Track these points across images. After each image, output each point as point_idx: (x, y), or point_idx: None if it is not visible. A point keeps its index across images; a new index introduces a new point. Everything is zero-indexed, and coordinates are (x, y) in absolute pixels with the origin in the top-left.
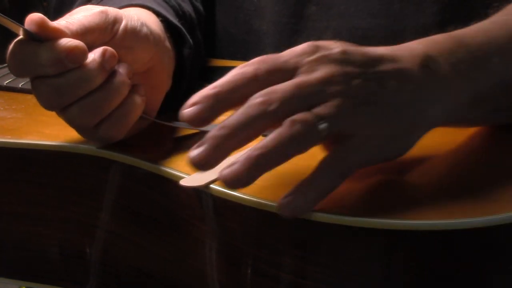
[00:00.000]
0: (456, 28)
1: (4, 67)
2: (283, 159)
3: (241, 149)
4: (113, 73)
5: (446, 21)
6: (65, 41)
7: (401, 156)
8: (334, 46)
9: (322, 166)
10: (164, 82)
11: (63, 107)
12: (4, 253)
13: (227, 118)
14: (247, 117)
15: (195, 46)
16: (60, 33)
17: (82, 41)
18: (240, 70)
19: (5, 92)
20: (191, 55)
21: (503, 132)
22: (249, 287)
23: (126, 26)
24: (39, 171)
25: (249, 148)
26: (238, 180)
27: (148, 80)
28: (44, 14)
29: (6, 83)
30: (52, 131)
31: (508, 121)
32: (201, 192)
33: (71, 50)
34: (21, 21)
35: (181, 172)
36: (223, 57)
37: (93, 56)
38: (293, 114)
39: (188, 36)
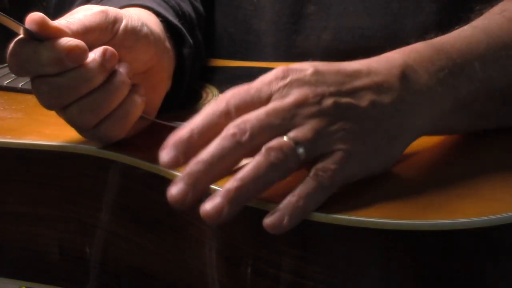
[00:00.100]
0: (454, 28)
1: (4, 67)
2: (262, 188)
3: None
4: (113, 73)
5: (445, 20)
6: (66, 41)
7: (388, 168)
8: (306, 68)
9: (305, 186)
10: (164, 82)
11: (63, 107)
12: (4, 253)
13: (202, 151)
14: (221, 150)
15: (195, 46)
16: (61, 33)
17: (83, 41)
18: (211, 109)
19: (5, 92)
20: (191, 55)
21: (503, 132)
22: (249, 287)
23: (126, 26)
24: (39, 171)
25: (229, 180)
26: (219, 217)
27: (148, 80)
28: (44, 14)
29: (6, 83)
30: (52, 131)
31: (495, 126)
32: None
33: (71, 50)
34: (21, 21)
35: (181, 172)
36: (222, 57)
37: (94, 55)
38: (268, 141)
39: (188, 36)
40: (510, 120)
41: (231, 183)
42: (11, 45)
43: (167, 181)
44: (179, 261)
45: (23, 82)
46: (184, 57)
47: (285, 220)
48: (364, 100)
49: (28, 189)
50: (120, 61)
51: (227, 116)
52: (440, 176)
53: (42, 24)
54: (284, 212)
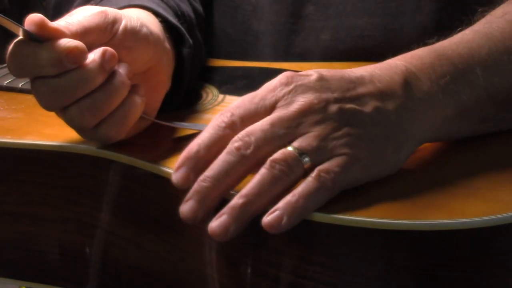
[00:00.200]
0: (456, 30)
1: (4, 67)
2: (268, 202)
3: None
4: (113, 74)
5: (444, 20)
6: (65, 42)
7: (391, 174)
8: (310, 74)
9: (307, 186)
10: (163, 82)
11: (62, 108)
12: (4, 253)
13: (209, 168)
14: (227, 165)
15: (195, 46)
16: (60, 34)
17: (82, 42)
18: (216, 122)
19: (5, 92)
20: (191, 55)
21: (503, 132)
22: (249, 287)
23: (125, 26)
24: (39, 171)
25: (234, 197)
26: (226, 235)
27: (148, 80)
28: (44, 14)
29: (6, 83)
30: (52, 131)
31: (497, 130)
32: None
33: (71, 51)
34: (20, 22)
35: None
36: (221, 57)
37: (93, 56)
38: (273, 152)
39: (188, 36)
40: (511, 124)
41: (236, 200)
42: (11, 46)
43: (167, 181)
44: (179, 261)
45: (23, 82)
46: (184, 57)
47: (284, 220)
48: (368, 106)
49: (28, 189)
50: (119, 61)
51: (232, 127)
52: (439, 176)
53: (41, 25)
54: (283, 211)
